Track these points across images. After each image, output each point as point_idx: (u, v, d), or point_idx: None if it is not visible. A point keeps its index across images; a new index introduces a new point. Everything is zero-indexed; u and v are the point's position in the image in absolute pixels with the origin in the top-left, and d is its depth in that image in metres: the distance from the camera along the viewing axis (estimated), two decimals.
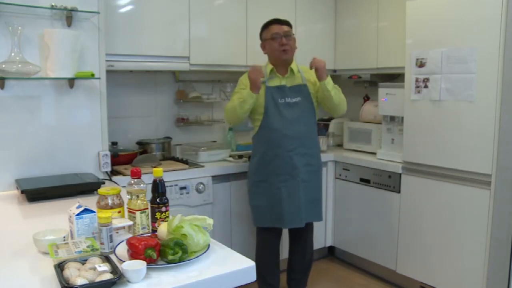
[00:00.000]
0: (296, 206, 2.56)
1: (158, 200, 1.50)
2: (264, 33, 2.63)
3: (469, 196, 2.52)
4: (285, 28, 2.57)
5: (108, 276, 1.11)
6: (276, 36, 2.55)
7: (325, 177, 3.31)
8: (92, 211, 1.40)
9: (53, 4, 2.18)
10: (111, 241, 1.32)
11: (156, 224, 1.48)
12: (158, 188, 1.51)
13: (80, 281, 1.08)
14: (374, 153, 3.23)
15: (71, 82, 2.28)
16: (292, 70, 2.61)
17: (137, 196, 1.51)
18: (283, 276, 2.88)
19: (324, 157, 3.13)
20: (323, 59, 2.54)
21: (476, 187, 2.48)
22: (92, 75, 2.26)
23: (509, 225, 2.45)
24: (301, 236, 2.77)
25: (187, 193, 2.73)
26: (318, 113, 2.72)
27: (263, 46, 2.66)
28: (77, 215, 1.37)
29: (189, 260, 1.26)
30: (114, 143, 2.89)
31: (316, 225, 2.83)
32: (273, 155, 2.56)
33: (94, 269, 1.13)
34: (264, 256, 2.73)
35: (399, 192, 2.93)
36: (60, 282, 1.08)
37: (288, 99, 2.57)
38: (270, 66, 2.62)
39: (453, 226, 2.61)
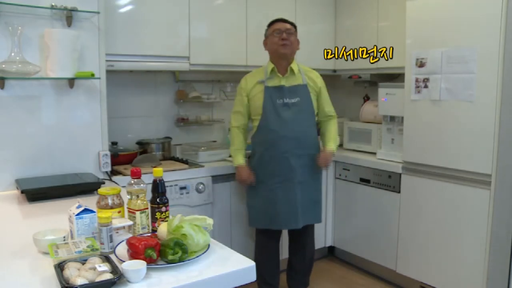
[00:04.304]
0: (292, 207, 2.55)
1: (158, 200, 1.50)
2: (268, 30, 2.65)
3: (469, 196, 2.52)
4: (288, 26, 2.59)
5: (108, 276, 1.11)
6: (277, 32, 2.57)
7: (325, 177, 3.31)
8: (92, 211, 1.40)
9: (53, 4, 2.18)
10: (111, 241, 1.32)
11: (156, 224, 1.49)
12: (158, 188, 1.51)
13: (80, 281, 1.08)
14: (374, 153, 3.23)
15: (71, 82, 2.28)
16: (292, 70, 2.60)
17: (137, 196, 1.51)
18: (283, 276, 2.88)
19: None
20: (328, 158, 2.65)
21: (476, 187, 2.48)
22: (92, 75, 2.26)
23: (509, 225, 2.44)
24: (301, 237, 2.77)
25: (187, 193, 2.73)
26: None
27: (265, 43, 2.67)
28: (77, 215, 1.38)
29: (189, 260, 1.26)
30: (114, 143, 2.88)
31: (316, 225, 2.83)
32: (270, 157, 2.56)
33: (94, 269, 1.13)
34: (264, 257, 2.72)
35: (399, 192, 2.93)
36: (60, 282, 1.08)
37: (287, 100, 2.56)
38: (271, 66, 2.61)
39: (453, 226, 2.61)
